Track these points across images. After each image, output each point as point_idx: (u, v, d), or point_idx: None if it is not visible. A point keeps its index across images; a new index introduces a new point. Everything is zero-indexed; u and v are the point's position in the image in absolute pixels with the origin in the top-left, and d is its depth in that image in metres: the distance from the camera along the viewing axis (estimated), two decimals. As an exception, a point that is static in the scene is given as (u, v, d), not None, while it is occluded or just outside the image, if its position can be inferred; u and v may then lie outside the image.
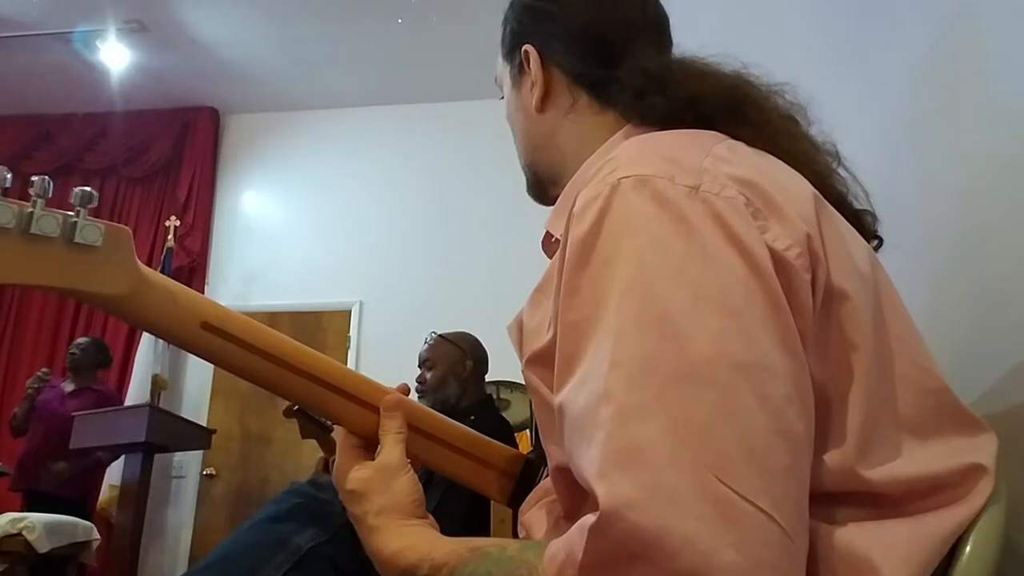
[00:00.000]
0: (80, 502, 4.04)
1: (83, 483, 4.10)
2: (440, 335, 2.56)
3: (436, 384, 2.45)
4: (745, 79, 0.71)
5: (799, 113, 0.71)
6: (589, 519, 0.46)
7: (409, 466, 0.68)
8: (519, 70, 0.82)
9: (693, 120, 0.67)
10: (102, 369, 4.36)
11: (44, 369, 4.17)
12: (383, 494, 0.65)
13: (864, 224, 0.71)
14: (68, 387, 4.16)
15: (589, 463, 0.48)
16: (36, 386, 4.05)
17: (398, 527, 0.63)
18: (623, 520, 0.44)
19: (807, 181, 0.61)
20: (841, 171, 0.71)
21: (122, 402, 4.43)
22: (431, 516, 0.67)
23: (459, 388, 2.45)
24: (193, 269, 5.07)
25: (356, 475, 0.67)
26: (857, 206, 0.71)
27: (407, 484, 0.66)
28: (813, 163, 0.67)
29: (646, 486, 0.44)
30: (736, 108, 0.67)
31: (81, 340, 4.33)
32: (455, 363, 2.48)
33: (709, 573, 0.43)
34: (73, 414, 3.79)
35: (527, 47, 0.80)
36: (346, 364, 0.72)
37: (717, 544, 0.43)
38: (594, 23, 0.79)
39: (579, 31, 0.79)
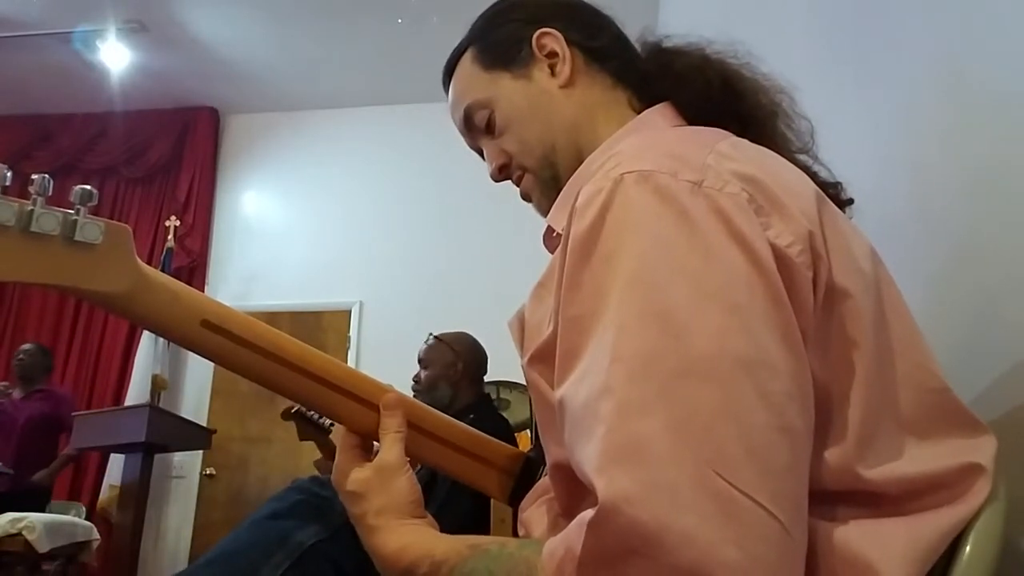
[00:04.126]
0: (39, 494, 4.03)
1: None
2: (437, 337, 2.58)
3: (428, 385, 2.50)
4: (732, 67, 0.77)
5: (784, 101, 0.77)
6: (588, 514, 0.46)
7: (408, 466, 0.68)
8: (527, 62, 0.82)
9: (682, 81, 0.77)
10: (48, 374, 4.41)
11: (3, 383, 4.20)
12: (382, 494, 0.65)
13: (838, 193, 0.74)
14: (17, 394, 4.20)
15: (589, 457, 0.48)
16: (0, 401, 4.10)
17: (397, 526, 0.63)
18: (622, 515, 0.44)
19: (809, 179, 0.61)
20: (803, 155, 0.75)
21: (74, 403, 4.45)
22: (430, 516, 0.67)
23: (451, 390, 2.48)
24: (193, 269, 5.07)
25: (355, 476, 0.67)
26: (823, 178, 0.74)
27: (406, 484, 0.66)
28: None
29: (646, 481, 0.44)
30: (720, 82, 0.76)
31: (27, 346, 4.37)
32: (447, 365, 2.51)
33: (709, 568, 0.43)
34: (75, 414, 3.82)
35: (544, 30, 0.82)
36: (346, 364, 0.72)
37: (717, 540, 0.43)
38: (586, 9, 0.86)
39: (580, 13, 0.85)
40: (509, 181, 0.86)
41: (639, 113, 0.79)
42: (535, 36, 0.82)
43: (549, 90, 0.81)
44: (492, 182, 0.88)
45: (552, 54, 0.82)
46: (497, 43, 0.84)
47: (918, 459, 0.56)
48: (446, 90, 0.89)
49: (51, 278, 0.55)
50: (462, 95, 0.86)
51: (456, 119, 0.88)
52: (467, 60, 0.86)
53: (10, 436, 4.04)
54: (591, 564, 0.46)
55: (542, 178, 0.82)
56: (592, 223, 0.54)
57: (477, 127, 0.85)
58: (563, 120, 0.80)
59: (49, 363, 4.43)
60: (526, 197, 0.85)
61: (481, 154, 0.88)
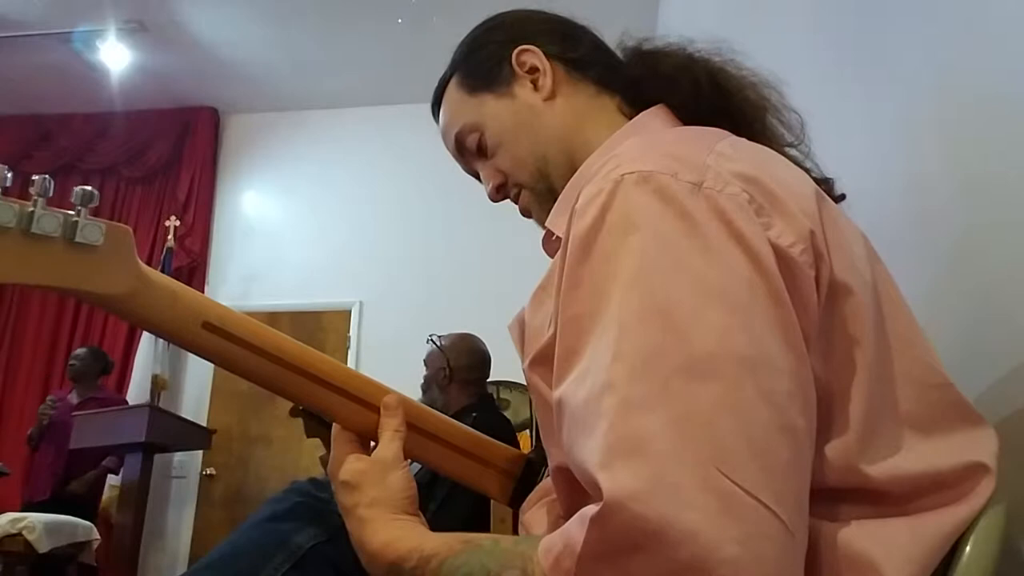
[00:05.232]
0: (89, 508, 4.06)
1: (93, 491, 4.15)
2: (432, 339, 2.57)
3: (423, 387, 2.52)
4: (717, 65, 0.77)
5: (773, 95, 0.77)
6: (591, 509, 0.46)
7: (405, 463, 0.68)
8: (509, 81, 0.83)
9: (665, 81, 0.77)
10: (104, 376, 4.39)
11: (51, 397, 4.20)
12: (376, 487, 0.65)
13: (831, 189, 0.74)
14: (74, 399, 4.19)
15: (591, 453, 0.48)
16: (48, 413, 4.08)
17: (389, 520, 0.63)
18: (626, 510, 0.44)
19: (808, 177, 0.61)
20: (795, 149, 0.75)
21: (123, 403, 4.45)
22: (423, 516, 0.66)
23: (442, 394, 2.48)
24: (193, 269, 5.07)
25: (351, 466, 0.67)
26: (816, 174, 0.73)
27: (401, 479, 0.66)
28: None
29: (649, 477, 0.45)
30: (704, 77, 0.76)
31: (79, 351, 4.37)
32: (437, 369, 2.51)
33: (710, 566, 0.43)
34: (75, 413, 3.84)
35: (523, 47, 0.82)
36: (346, 364, 0.72)
37: (719, 537, 0.43)
38: (563, 21, 0.87)
39: (557, 26, 0.86)
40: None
41: (630, 117, 0.79)
42: (514, 54, 0.83)
43: (533, 105, 0.81)
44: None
45: (533, 69, 0.82)
46: (478, 66, 0.85)
47: (921, 455, 0.56)
48: (437, 120, 0.90)
49: (52, 280, 0.54)
50: (451, 122, 0.87)
51: (449, 146, 0.89)
52: (452, 87, 0.87)
53: (62, 445, 4.01)
54: (591, 559, 0.46)
55: (538, 191, 0.82)
56: (592, 223, 0.54)
57: (470, 151, 0.86)
58: (550, 132, 0.81)
59: (103, 365, 4.35)
60: (526, 213, 0.85)
61: (478, 177, 0.89)
